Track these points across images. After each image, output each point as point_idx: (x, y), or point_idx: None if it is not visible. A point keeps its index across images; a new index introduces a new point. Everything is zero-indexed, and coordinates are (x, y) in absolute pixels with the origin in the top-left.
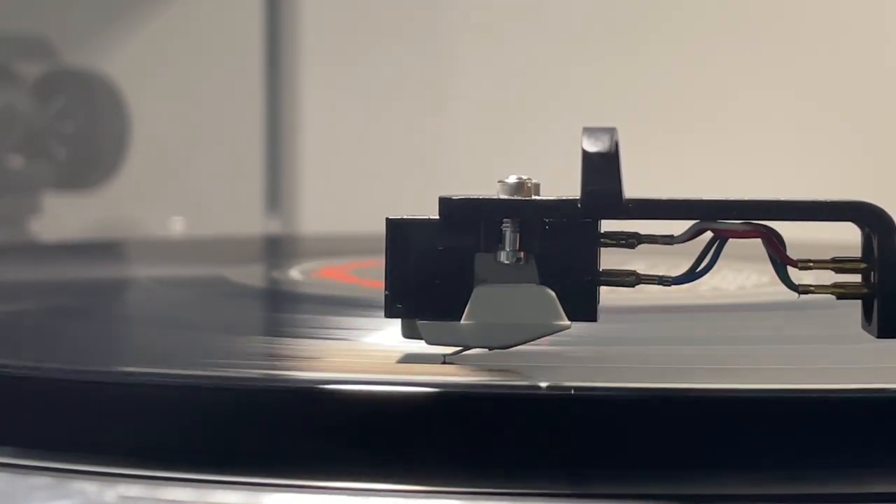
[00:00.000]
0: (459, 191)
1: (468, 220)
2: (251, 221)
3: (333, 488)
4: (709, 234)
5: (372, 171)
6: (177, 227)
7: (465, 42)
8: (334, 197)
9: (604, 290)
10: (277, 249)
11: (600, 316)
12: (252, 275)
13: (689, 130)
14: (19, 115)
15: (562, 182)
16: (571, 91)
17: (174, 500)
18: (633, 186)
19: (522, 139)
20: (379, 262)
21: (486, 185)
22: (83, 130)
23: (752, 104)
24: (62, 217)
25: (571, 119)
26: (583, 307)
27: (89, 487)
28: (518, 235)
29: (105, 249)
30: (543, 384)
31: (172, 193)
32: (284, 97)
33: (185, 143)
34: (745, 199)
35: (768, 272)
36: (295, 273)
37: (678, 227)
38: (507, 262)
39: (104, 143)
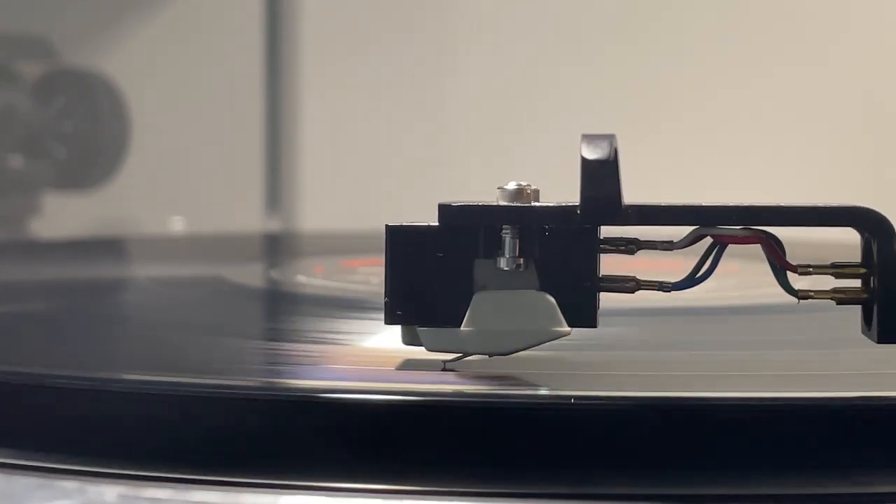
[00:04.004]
0: (458, 192)
1: (468, 226)
2: (251, 220)
3: (329, 489)
4: (708, 240)
5: (372, 170)
6: (177, 226)
7: (465, 42)
8: (334, 196)
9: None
10: (277, 248)
11: (600, 321)
12: (251, 275)
13: (690, 134)
14: (19, 115)
15: (561, 188)
16: (571, 96)
17: (174, 499)
18: (633, 191)
19: (522, 142)
20: (378, 261)
21: (486, 188)
22: (83, 130)
23: (754, 108)
24: (62, 217)
25: (572, 124)
26: (582, 313)
27: (89, 487)
28: (517, 242)
29: (105, 248)
30: (543, 391)
31: (172, 193)
32: (284, 97)
33: (185, 143)
34: (745, 204)
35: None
36: (294, 273)
37: (678, 232)
38: (506, 268)
39: (104, 143)
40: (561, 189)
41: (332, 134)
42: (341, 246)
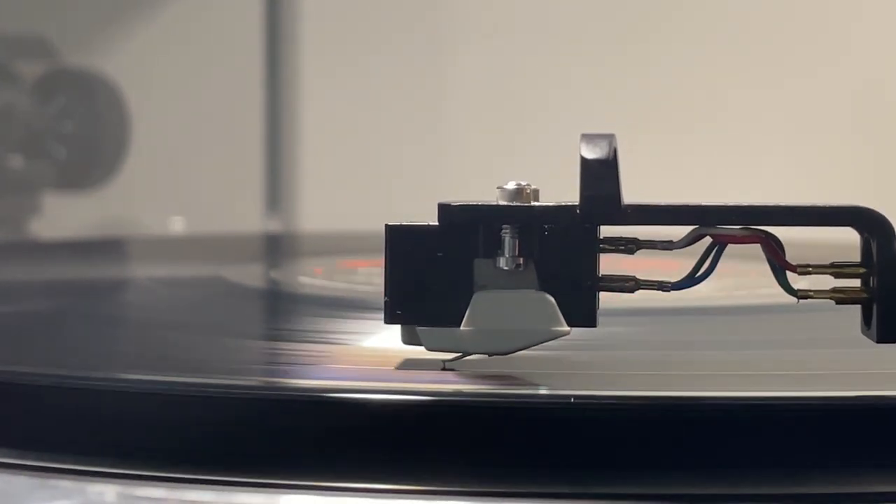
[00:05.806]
0: (457, 192)
1: (467, 226)
2: (251, 221)
3: (328, 488)
4: (708, 240)
5: (371, 170)
6: (177, 226)
7: (465, 43)
8: (334, 197)
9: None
10: (277, 248)
11: (599, 321)
12: (251, 275)
13: (689, 134)
14: (19, 115)
15: (561, 187)
16: (571, 95)
17: (173, 500)
18: (632, 191)
19: (521, 142)
20: (378, 262)
21: (485, 188)
22: (83, 130)
23: (753, 108)
24: (62, 217)
25: (571, 123)
26: (582, 313)
27: (89, 487)
28: (517, 241)
29: (105, 249)
30: (543, 391)
31: (172, 193)
32: (284, 97)
33: (185, 143)
34: (744, 204)
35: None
36: (294, 274)
37: (677, 232)
38: (506, 267)
39: (104, 143)
40: (561, 189)
41: (332, 134)
42: (341, 246)
